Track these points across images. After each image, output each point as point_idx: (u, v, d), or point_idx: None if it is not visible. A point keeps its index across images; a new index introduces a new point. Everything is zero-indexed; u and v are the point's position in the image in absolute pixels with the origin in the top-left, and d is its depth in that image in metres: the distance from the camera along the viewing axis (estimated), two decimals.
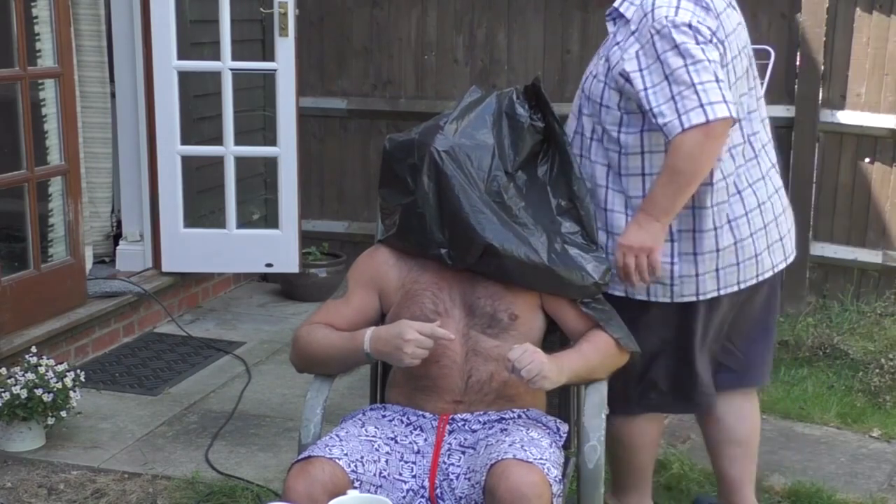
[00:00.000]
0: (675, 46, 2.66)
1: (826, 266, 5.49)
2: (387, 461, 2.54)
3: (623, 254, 2.79)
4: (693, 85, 2.63)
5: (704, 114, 2.61)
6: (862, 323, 5.15)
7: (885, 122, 5.22)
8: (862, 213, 5.37)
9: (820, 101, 5.36)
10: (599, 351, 2.68)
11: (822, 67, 5.34)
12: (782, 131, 5.39)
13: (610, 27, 2.89)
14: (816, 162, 5.42)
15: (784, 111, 5.40)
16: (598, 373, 2.69)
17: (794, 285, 5.49)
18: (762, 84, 4.86)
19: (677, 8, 2.70)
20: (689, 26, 2.67)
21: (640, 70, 2.71)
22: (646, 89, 2.69)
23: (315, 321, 2.77)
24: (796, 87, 5.41)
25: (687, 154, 2.65)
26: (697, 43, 2.66)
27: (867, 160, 5.31)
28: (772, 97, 5.20)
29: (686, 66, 2.64)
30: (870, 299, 5.31)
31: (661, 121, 2.66)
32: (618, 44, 2.81)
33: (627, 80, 2.74)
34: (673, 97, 2.64)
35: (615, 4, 2.87)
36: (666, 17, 2.68)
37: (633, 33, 2.76)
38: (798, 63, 5.40)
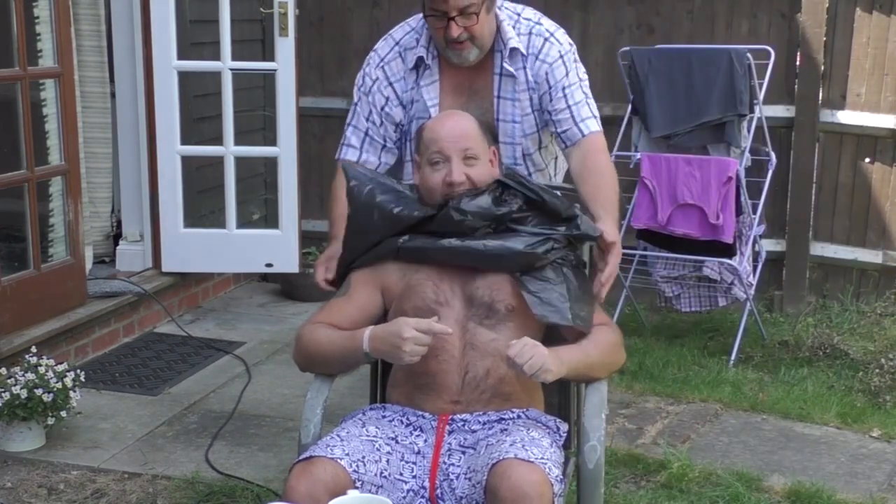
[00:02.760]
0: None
1: (826, 266, 5.49)
2: (388, 461, 2.54)
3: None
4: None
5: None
6: (862, 323, 5.15)
7: (885, 122, 5.22)
8: (862, 213, 5.37)
9: (820, 101, 5.37)
10: (599, 347, 2.68)
11: (822, 67, 5.34)
12: (782, 131, 5.40)
13: (511, 67, 3.09)
14: (816, 162, 5.42)
15: (784, 111, 5.41)
16: (598, 371, 2.69)
17: (794, 285, 5.49)
18: (762, 84, 4.90)
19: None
20: None
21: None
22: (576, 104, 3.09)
23: (318, 320, 2.77)
24: (796, 87, 5.41)
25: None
26: None
27: (867, 160, 5.31)
28: (772, 97, 5.21)
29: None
30: (870, 299, 5.31)
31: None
32: (538, 83, 3.09)
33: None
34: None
35: (513, 45, 3.10)
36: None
37: (549, 65, 3.10)
38: (798, 63, 5.40)
